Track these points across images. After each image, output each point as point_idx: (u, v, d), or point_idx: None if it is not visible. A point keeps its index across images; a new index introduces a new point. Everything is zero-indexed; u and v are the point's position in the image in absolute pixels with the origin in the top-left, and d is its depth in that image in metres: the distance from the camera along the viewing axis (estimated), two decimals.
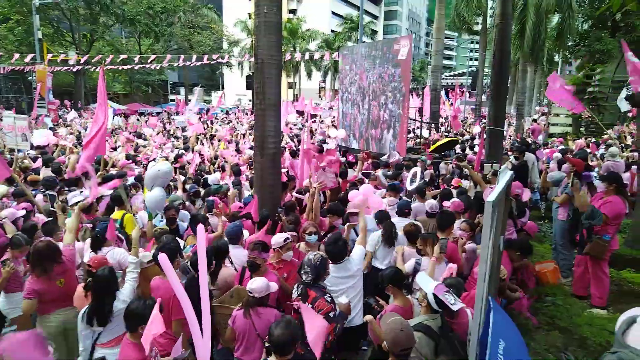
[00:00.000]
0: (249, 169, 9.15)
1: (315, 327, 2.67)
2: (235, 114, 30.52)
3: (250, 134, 15.65)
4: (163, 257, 2.17)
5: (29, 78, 25.88)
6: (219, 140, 14.66)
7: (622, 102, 8.06)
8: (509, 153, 9.83)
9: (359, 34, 20.19)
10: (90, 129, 7.67)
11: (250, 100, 38.34)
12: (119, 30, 44.79)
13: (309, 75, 52.19)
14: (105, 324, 3.16)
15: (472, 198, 6.01)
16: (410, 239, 4.49)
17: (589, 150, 10.85)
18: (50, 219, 5.07)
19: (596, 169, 8.37)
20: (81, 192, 6.47)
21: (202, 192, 7.12)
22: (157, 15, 39.21)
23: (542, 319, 4.70)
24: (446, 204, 5.61)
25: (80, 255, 4.29)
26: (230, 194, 6.66)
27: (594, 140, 14.10)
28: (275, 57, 5.42)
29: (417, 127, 15.18)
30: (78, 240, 4.41)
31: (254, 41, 5.62)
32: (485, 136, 8.78)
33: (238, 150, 12.34)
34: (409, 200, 6.07)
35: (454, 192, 6.41)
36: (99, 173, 7.49)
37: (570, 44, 23.35)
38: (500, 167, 6.96)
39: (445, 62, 71.43)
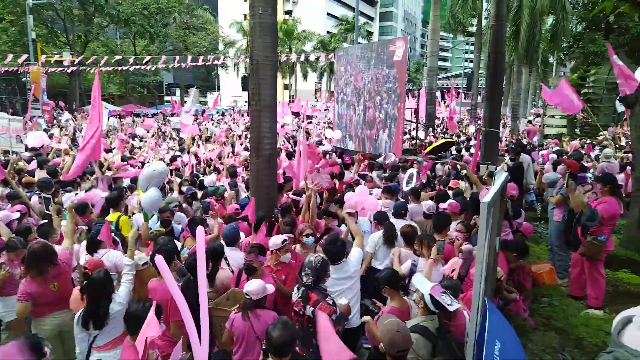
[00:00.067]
0: (244, 170, 9.13)
1: (331, 347, 2.66)
2: (230, 115, 30.49)
3: (246, 135, 15.63)
4: (159, 259, 2.16)
5: (23, 79, 25.73)
6: (213, 142, 14.64)
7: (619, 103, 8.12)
8: (505, 154, 9.86)
9: (354, 36, 20.20)
10: (85, 132, 7.62)
11: (246, 102, 38.30)
12: (114, 31, 44.63)
13: (305, 76, 52.20)
14: (102, 327, 3.14)
15: (468, 199, 6.02)
16: (407, 240, 4.49)
17: (583, 152, 10.91)
18: (46, 221, 5.04)
19: (591, 170, 8.42)
20: (76, 194, 6.45)
21: (200, 194, 7.10)
22: (152, 16, 39.12)
23: (538, 320, 4.72)
24: (442, 205, 5.62)
25: (76, 258, 4.27)
26: (227, 196, 6.65)
27: (589, 141, 14.19)
28: (271, 58, 5.42)
29: (413, 129, 15.21)
30: (74, 243, 4.37)
31: (249, 42, 5.61)
32: (480, 137, 8.80)
33: (232, 152, 12.31)
34: (405, 201, 6.07)
35: (450, 193, 6.42)
36: (94, 176, 7.45)
37: (564, 45, 23.49)
38: (495, 169, 6.99)
39: (440, 63, 71.70)
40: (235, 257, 4.35)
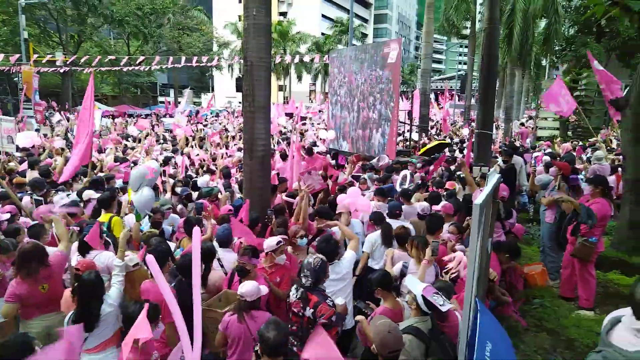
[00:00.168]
0: (238, 171, 9.11)
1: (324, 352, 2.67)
2: (225, 116, 30.41)
3: (240, 136, 15.60)
4: (150, 259, 2.14)
5: (15, 79, 25.50)
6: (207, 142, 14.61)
7: None
8: (498, 156, 9.93)
9: (348, 37, 20.26)
10: (76, 134, 7.58)
11: (240, 103, 38.22)
12: (108, 32, 44.39)
13: (300, 78, 52.23)
14: (92, 329, 3.11)
15: (461, 201, 6.05)
16: (400, 241, 4.50)
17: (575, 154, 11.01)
18: (36, 222, 4.99)
19: (582, 172, 8.50)
20: (68, 194, 6.39)
21: (195, 195, 7.06)
22: (146, 17, 38.93)
23: (530, 321, 4.75)
24: (436, 207, 5.64)
25: (68, 259, 4.23)
26: (222, 197, 6.64)
27: (580, 143, 14.31)
28: (264, 59, 5.41)
29: (407, 130, 15.26)
30: (69, 247, 4.33)
31: (243, 43, 5.60)
32: (473, 139, 8.85)
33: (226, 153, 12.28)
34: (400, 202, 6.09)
35: (443, 194, 6.45)
36: (86, 179, 7.40)
37: (556, 48, 23.72)
38: (488, 170, 7.03)
39: (434, 65, 72.06)
40: (229, 258, 4.34)
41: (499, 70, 29.91)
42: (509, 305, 4.30)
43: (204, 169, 10.05)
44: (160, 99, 49.49)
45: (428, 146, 12.30)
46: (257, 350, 2.61)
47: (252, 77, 5.39)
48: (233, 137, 16.07)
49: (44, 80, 30.54)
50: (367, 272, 4.70)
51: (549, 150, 12.87)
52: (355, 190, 5.99)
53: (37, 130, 16.54)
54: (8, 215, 5.16)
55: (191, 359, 2.11)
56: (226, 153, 12.14)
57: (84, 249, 4.03)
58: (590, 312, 5.10)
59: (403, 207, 5.81)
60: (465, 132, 19.93)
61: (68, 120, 21.05)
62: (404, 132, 16.21)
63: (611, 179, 8.02)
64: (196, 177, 8.87)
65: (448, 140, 15.62)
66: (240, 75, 33.25)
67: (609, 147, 12.40)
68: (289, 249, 4.48)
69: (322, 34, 56.99)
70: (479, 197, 2.27)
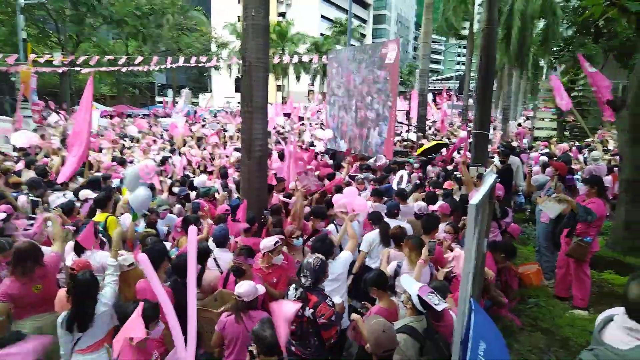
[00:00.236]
0: (235, 171, 9.11)
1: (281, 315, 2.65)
2: (223, 116, 30.39)
3: (238, 136, 15.59)
4: (143, 258, 2.14)
5: (12, 79, 25.43)
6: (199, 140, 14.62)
7: None
8: (495, 156, 9.95)
9: (347, 38, 20.28)
10: (72, 134, 7.59)
11: (239, 103, 38.20)
12: (106, 32, 44.31)
13: (298, 78, 52.21)
14: (86, 329, 3.10)
15: (458, 200, 6.06)
16: (397, 241, 4.51)
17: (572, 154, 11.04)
18: (32, 222, 4.99)
19: (579, 173, 8.52)
20: (64, 194, 6.39)
21: (192, 195, 7.06)
22: (145, 17, 38.89)
23: (525, 321, 4.77)
24: (432, 207, 5.65)
25: (62, 259, 4.22)
26: (219, 197, 6.64)
27: (577, 144, 14.36)
28: (263, 60, 5.42)
29: (406, 131, 15.29)
30: (63, 248, 4.32)
31: (241, 44, 5.61)
32: (470, 139, 8.88)
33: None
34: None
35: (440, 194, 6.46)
36: (83, 179, 7.40)
37: (554, 49, 23.76)
38: (485, 170, 7.05)
39: (433, 66, 72.17)
40: (225, 258, 4.34)
41: (497, 71, 29.97)
42: (504, 306, 4.31)
43: (201, 169, 10.05)
44: (159, 99, 49.44)
45: (425, 146, 12.30)
46: (252, 350, 2.61)
47: (251, 77, 5.40)
48: (231, 137, 16.05)
49: (42, 80, 30.44)
50: (364, 271, 4.71)
51: (546, 150, 12.91)
52: (352, 190, 5.99)
53: (35, 130, 16.47)
54: (4, 215, 5.15)
55: (185, 358, 2.11)
56: (222, 153, 12.13)
57: (80, 249, 4.03)
58: (585, 312, 5.12)
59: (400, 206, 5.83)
60: (462, 133, 19.95)
61: (66, 120, 21.01)
62: (401, 132, 16.24)
63: (607, 179, 8.05)
64: (193, 177, 8.87)
65: (445, 141, 15.63)
66: (239, 76, 33.16)
67: (605, 148, 12.44)
68: (284, 249, 4.49)
69: (321, 34, 57.00)
70: (475, 197, 2.28)
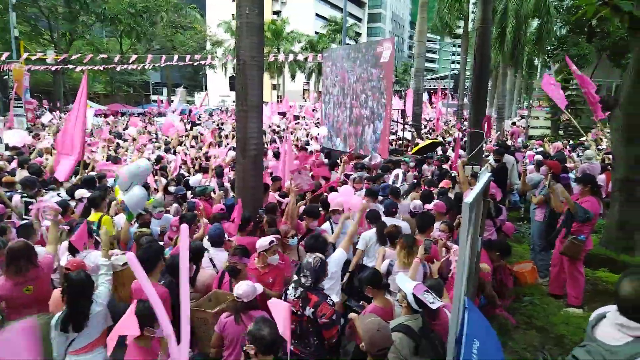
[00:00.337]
0: (231, 170, 9.08)
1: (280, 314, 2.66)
2: (218, 115, 30.34)
3: (233, 135, 15.54)
4: (131, 257, 2.12)
5: (5, 77, 25.22)
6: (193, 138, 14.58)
7: None
8: (490, 155, 10.00)
9: (342, 36, 20.29)
10: (64, 133, 7.53)
11: (234, 102, 38.12)
12: (100, 30, 44.06)
13: (293, 77, 52.15)
14: (81, 329, 3.09)
15: (453, 199, 6.08)
16: (392, 240, 4.51)
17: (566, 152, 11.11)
18: (26, 221, 4.94)
19: (573, 171, 8.57)
20: (59, 193, 6.35)
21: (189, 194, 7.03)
22: (138, 15, 38.69)
23: (520, 319, 4.79)
24: (428, 206, 5.67)
25: (57, 259, 4.19)
26: (216, 196, 6.62)
27: (571, 142, 14.44)
28: (257, 58, 5.40)
29: (401, 129, 15.32)
30: (57, 249, 4.29)
31: (235, 42, 5.58)
32: (465, 138, 8.91)
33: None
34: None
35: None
36: (78, 177, 7.35)
37: (548, 48, 23.90)
38: (480, 169, 7.07)
39: (428, 64, 72.28)
40: (220, 257, 4.33)
41: (492, 70, 30.06)
42: (498, 307, 4.34)
43: (196, 168, 10.01)
44: (153, 97, 49.21)
45: (420, 145, 12.34)
46: (246, 350, 2.59)
47: (245, 76, 5.37)
48: (227, 136, 16.00)
49: (34, 78, 30.24)
50: (360, 269, 4.72)
51: (540, 149, 12.98)
52: (347, 189, 6.00)
53: (28, 129, 16.39)
54: None
55: (178, 359, 2.10)
56: (216, 153, 12.08)
57: (74, 249, 4.00)
58: (579, 310, 5.16)
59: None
60: (457, 133, 20.02)
61: (60, 119, 20.89)
62: (396, 131, 16.27)
63: (601, 178, 8.11)
64: (188, 176, 8.83)
65: (440, 139, 15.68)
66: (234, 74, 33.04)
67: (599, 146, 12.52)
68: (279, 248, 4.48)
69: (316, 32, 56.94)
70: (469, 196, 2.28)
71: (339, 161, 9.70)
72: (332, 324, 3.08)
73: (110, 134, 15.94)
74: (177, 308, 2.36)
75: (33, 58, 25.08)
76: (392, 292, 3.74)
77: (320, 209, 5.70)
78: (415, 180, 7.86)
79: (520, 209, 9.42)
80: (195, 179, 7.73)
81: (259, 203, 5.63)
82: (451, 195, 6.48)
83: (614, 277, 5.88)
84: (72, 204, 5.80)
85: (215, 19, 50.77)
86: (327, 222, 5.36)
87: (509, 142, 16.51)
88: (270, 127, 19.42)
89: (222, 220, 5.15)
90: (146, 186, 6.19)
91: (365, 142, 11.06)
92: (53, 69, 28.39)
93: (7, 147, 10.32)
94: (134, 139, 13.76)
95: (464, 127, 15.45)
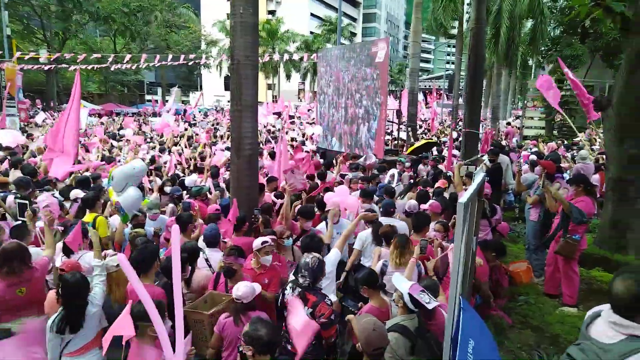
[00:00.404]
0: (226, 170, 9.05)
1: (302, 326, 2.66)
2: (213, 114, 30.26)
3: (228, 135, 15.51)
4: (122, 258, 2.10)
5: None
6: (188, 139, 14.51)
7: None
8: (484, 155, 10.04)
9: (337, 36, 20.29)
10: (53, 134, 7.49)
11: (228, 102, 38.01)
12: (93, 29, 43.79)
13: (288, 77, 52.13)
14: (78, 330, 3.07)
15: (448, 199, 6.10)
16: (387, 240, 4.52)
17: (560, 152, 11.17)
18: (19, 222, 4.90)
19: (568, 171, 8.61)
20: (53, 194, 6.30)
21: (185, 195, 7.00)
22: (132, 14, 38.49)
23: (515, 318, 4.81)
24: (424, 206, 5.67)
25: (52, 261, 4.16)
26: (212, 197, 6.60)
27: (565, 142, 14.52)
28: (251, 57, 5.39)
29: (397, 130, 15.35)
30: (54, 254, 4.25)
31: (230, 42, 5.57)
32: (460, 138, 8.95)
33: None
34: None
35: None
36: (72, 176, 7.30)
37: (542, 48, 24.03)
38: (475, 169, 7.11)
39: (423, 65, 72.45)
40: (216, 258, 4.31)
41: (486, 70, 30.18)
42: (492, 307, 4.36)
43: (190, 167, 9.98)
44: (148, 97, 48.99)
45: (416, 145, 12.36)
46: (242, 351, 2.59)
47: (239, 76, 5.37)
48: (222, 137, 15.97)
49: (27, 77, 30.03)
50: (356, 269, 4.72)
51: (535, 149, 13.05)
52: (343, 189, 6.00)
53: (22, 129, 16.25)
54: None
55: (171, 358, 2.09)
56: (214, 152, 12.05)
57: (69, 250, 3.98)
58: (574, 309, 5.18)
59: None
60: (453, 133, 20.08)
61: (54, 119, 20.74)
62: (392, 131, 16.30)
63: (595, 178, 8.16)
64: (183, 176, 8.80)
65: (435, 139, 15.73)
66: (229, 74, 32.78)
67: (592, 146, 12.60)
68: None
69: (311, 32, 56.95)
70: (464, 196, 2.29)
71: (334, 162, 9.70)
72: (330, 323, 3.08)
73: (104, 134, 15.85)
74: (173, 309, 2.35)
75: (26, 57, 24.90)
76: (388, 292, 3.75)
77: (316, 209, 5.70)
78: (412, 180, 7.87)
79: (515, 209, 9.47)
80: (191, 179, 7.70)
81: (254, 203, 5.62)
82: (447, 195, 6.50)
83: (608, 276, 5.91)
84: (67, 204, 5.76)
85: (209, 18, 50.61)
86: (323, 223, 5.36)
87: (504, 142, 16.58)
88: (265, 127, 19.40)
89: (218, 220, 5.14)
90: (141, 187, 6.16)
91: (360, 141, 11.07)
92: (46, 68, 28.20)
93: (0, 147, 10.22)
94: (128, 140, 13.71)
95: (459, 127, 15.50)
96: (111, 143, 13.64)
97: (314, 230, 4.96)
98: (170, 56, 26.59)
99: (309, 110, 28.06)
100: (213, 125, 21.18)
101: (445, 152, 12.13)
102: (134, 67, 29.20)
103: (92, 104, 34.81)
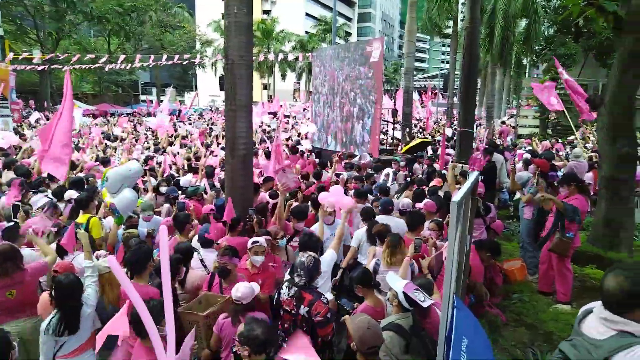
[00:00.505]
0: (221, 170, 9.03)
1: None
2: (209, 115, 30.19)
3: (223, 135, 15.48)
4: (112, 259, 2.09)
5: None
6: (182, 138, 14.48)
7: None
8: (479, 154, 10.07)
9: (332, 36, 20.30)
10: (44, 132, 7.42)
11: (224, 102, 37.95)
12: (87, 29, 43.56)
13: (283, 76, 52.06)
14: (76, 331, 3.05)
15: (443, 197, 6.11)
16: (381, 239, 4.52)
17: (554, 150, 11.23)
18: (12, 224, 4.86)
19: (562, 170, 8.66)
20: (46, 194, 6.26)
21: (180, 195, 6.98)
22: (127, 14, 38.31)
23: (509, 316, 4.83)
24: (419, 205, 5.69)
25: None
26: (208, 197, 6.58)
27: (559, 141, 14.59)
28: (245, 57, 5.37)
29: (392, 129, 15.38)
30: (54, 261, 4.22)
31: (224, 42, 5.56)
32: (455, 137, 8.98)
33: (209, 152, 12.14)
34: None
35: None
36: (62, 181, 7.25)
37: (536, 48, 24.15)
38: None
39: (418, 64, 72.62)
40: (211, 258, 4.30)
41: (481, 70, 30.35)
42: (485, 306, 4.38)
43: (185, 168, 9.96)
44: (142, 97, 48.80)
45: (411, 144, 12.39)
46: (237, 351, 2.58)
47: (234, 75, 5.35)
48: (217, 137, 15.93)
49: (20, 78, 29.81)
50: (353, 266, 4.73)
51: (529, 147, 13.11)
52: (337, 189, 5.99)
53: (15, 130, 16.13)
54: None
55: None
56: (211, 152, 12.02)
57: (62, 251, 3.96)
58: (568, 306, 5.21)
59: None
60: (448, 131, 20.15)
61: (48, 120, 20.61)
62: (387, 130, 16.32)
63: (588, 176, 8.21)
64: (178, 176, 8.77)
65: (430, 138, 15.77)
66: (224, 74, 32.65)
67: (586, 145, 12.68)
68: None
69: (306, 32, 56.89)
70: (457, 195, 2.30)
71: (328, 163, 9.70)
72: (326, 322, 3.08)
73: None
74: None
75: (19, 58, 24.74)
76: (382, 291, 3.76)
77: (311, 208, 5.70)
78: (408, 179, 7.88)
79: (509, 207, 9.50)
80: (186, 180, 7.68)
81: (248, 203, 5.60)
82: (442, 193, 6.52)
83: (601, 273, 5.94)
84: (61, 205, 5.73)
85: (204, 18, 50.47)
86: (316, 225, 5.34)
87: (498, 141, 16.64)
88: (260, 126, 19.37)
89: (206, 222, 5.12)
90: (135, 187, 6.13)
91: (355, 138, 11.09)
92: (39, 68, 27.99)
93: None
94: (122, 140, 13.65)
95: (454, 127, 15.55)
96: (105, 143, 13.57)
97: (306, 231, 4.96)
98: (164, 56, 26.47)
99: (304, 109, 28.05)
100: (208, 125, 21.12)
101: (440, 151, 12.17)
102: (128, 67, 29.03)
103: (87, 105, 34.64)
